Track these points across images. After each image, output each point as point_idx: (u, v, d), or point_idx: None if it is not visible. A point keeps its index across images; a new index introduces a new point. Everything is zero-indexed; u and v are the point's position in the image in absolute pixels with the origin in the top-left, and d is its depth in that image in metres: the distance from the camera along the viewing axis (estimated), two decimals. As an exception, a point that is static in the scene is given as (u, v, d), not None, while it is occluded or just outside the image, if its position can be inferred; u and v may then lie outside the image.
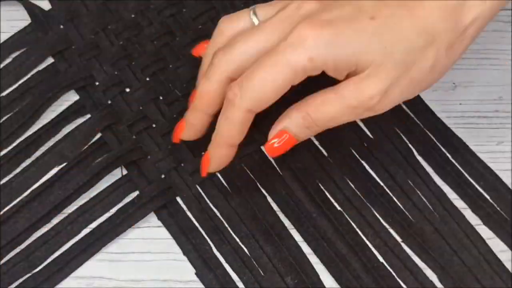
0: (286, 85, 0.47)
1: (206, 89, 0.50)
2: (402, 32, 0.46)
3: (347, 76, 0.48)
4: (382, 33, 0.46)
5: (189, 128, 0.53)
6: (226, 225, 0.54)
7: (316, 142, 0.56)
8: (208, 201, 0.55)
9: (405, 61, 0.46)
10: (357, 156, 0.56)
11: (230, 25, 0.52)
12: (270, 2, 0.51)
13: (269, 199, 0.55)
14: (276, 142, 0.50)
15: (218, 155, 0.52)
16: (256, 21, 0.51)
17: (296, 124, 0.50)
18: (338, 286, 0.52)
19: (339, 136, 0.56)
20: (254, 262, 0.53)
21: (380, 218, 0.54)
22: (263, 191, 0.55)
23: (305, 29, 0.46)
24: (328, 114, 0.48)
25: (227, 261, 0.53)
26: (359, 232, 0.53)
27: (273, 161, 0.56)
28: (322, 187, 0.55)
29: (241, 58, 0.49)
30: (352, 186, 0.55)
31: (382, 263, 0.52)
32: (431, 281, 0.52)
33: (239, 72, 0.49)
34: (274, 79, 0.47)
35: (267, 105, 0.48)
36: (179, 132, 0.53)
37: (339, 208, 0.54)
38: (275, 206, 0.54)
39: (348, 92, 0.47)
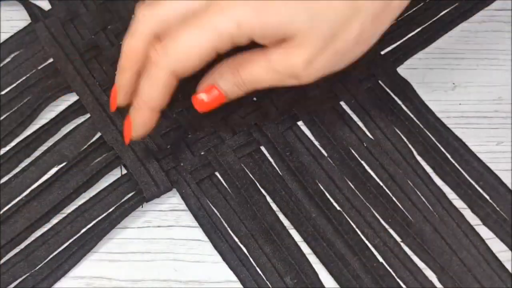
0: (211, 50, 0.46)
1: (130, 45, 0.49)
2: (329, 1, 0.45)
3: (276, 43, 0.47)
4: (309, 2, 0.45)
5: (120, 91, 0.51)
6: (225, 224, 0.54)
7: (316, 142, 0.56)
8: (206, 199, 0.55)
9: (330, 32, 0.46)
10: (357, 156, 0.56)
11: None
12: None
13: (269, 199, 0.55)
14: (205, 97, 0.50)
15: (140, 120, 0.50)
16: None
17: (226, 80, 0.49)
18: (338, 286, 0.52)
19: (338, 136, 0.56)
20: (253, 261, 0.53)
21: (380, 218, 0.54)
22: (263, 191, 0.55)
23: None
24: (256, 75, 0.48)
25: (224, 260, 0.53)
26: (359, 232, 0.53)
27: (273, 161, 0.56)
28: (321, 187, 0.55)
29: (167, 15, 0.48)
30: (352, 186, 0.55)
31: (381, 263, 0.52)
32: (430, 281, 0.52)
33: (164, 30, 0.47)
34: (199, 42, 0.46)
35: (191, 70, 0.47)
36: (113, 98, 0.52)
37: (338, 208, 0.54)
38: (274, 206, 0.54)
39: (275, 56, 0.47)
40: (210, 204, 0.55)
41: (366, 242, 0.53)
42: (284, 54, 0.47)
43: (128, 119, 0.51)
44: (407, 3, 0.48)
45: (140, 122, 0.50)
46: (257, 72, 0.48)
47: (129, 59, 0.49)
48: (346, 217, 0.54)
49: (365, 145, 0.56)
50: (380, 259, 0.52)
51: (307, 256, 0.53)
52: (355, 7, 0.45)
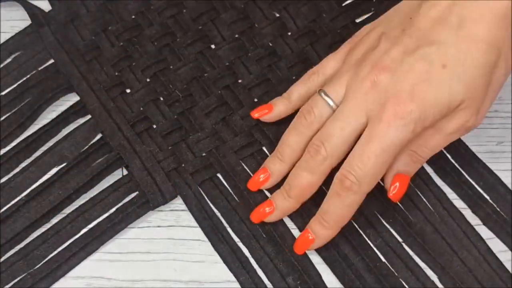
0: (393, 156, 0.50)
1: (311, 182, 0.52)
2: (473, 63, 0.48)
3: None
4: (457, 75, 0.48)
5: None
6: (226, 225, 0.54)
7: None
8: (207, 200, 0.55)
9: (486, 82, 0.49)
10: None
11: (312, 119, 0.53)
12: (333, 78, 0.53)
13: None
14: (394, 188, 0.52)
15: (326, 238, 0.52)
16: (330, 102, 0.52)
17: (405, 164, 0.52)
18: (341, 285, 0.52)
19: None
20: (254, 262, 0.53)
21: (381, 218, 0.54)
22: (265, 191, 0.55)
23: (395, 105, 0.48)
24: (432, 147, 0.51)
25: (224, 262, 0.53)
26: (361, 232, 0.53)
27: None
28: (323, 188, 0.54)
29: (338, 147, 0.51)
30: None
31: (384, 262, 0.52)
32: (432, 281, 0.52)
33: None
34: (386, 161, 0.49)
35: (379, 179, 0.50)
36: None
37: None
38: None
39: (448, 125, 0.50)
40: (211, 206, 0.54)
41: (369, 242, 0.53)
42: (455, 119, 0.49)
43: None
44: None
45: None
46: (433, 144, 0.51)
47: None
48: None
49: None
50: (383, 259, 0.52)
51: (310, 256, 0.53)
52: (495, 49, 0.48)
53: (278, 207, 0.53)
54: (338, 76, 0.52)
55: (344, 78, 0.51)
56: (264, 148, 0.56)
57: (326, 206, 0.51)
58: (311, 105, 0.52)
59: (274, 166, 0.54)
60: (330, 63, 0.55)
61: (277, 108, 0.56)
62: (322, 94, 0.52)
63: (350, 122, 0.50)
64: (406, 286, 0.52)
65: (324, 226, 0.51)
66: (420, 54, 0.48)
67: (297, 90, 0.55)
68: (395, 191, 0.52)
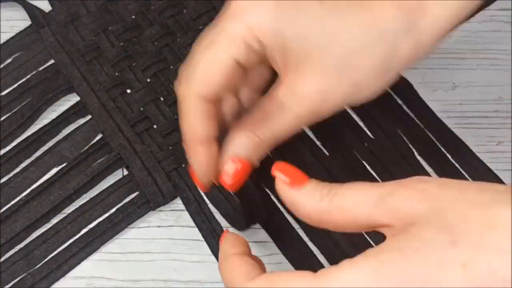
0: (230, 60, 0.42)
1: (187, 124, 0.44)
2: (348, 23, 0.41)
3: (278, 68, 0.43)
4: (328, 18, 0.41)
5: (194, 171, 0.47)
6: (224, 228, 0.54)
7: (318, 142, 0.56)
8: (207, 202, 0.55)
9: (347, 57, 0.41)
10: (358, 156, 0.56)
11: None
12: None
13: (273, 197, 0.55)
14: (228, 173, 0.44)
15: (196, 160, 0.45)
16: None
17: (244, 148, 0.44)
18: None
19: (340, 136, 0.56)
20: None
21: None
22: (267, 190, 0.55)
23: None
24: (277, 130, 0.44)
25: (221, 265, 0.53)
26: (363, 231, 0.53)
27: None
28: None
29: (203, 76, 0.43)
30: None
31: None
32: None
33: (208, 88, 0.43)
34: (215, 55, 0.42)
35: (217, 88, 0.43)
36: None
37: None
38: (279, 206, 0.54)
39: (287, 99, 0.43)
40: (210, 209, 0.55)
41: (370, 241, 0.53)
42: (295, 88, 0.42)
43: (190, 167, 0.46)
44: (442, 36, 0.44)
45: (198, 162, 0.45)
46: (276, 125, 0.43)
47: (193, 133, 0.45)
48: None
49: (366, 144, 0.56)
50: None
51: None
52: (377, 34, 0.41)
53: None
54: None
55: None
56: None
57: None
58: None
59: None
60: None
61: None
62: None
63: None
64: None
65: (186, 148, 0.45)
66: None
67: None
68: (229, 174, 0.44)
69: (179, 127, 0.45)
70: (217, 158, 0.44)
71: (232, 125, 0.45)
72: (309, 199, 0.40)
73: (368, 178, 0.55)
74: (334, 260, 0.52)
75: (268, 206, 0.53)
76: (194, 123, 0.43)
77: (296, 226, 0.53)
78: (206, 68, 0.42)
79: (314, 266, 0.52)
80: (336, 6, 0.41)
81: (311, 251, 0.52)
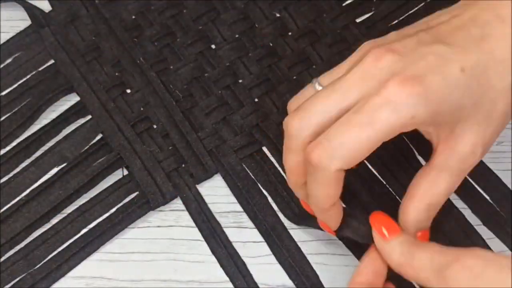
0: (380, 142, 0.43)
1: (293, 161, 0.46)
2: (489, 81, 0.44)
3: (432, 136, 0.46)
4: (471, 86, 0.43)
5: (306, 203, 0.50)
6: (223, 228, 0.54)
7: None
8: (206, 203, 0.55)
9: (495, 108, 0.45)
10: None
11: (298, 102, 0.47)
12: (332, 69, 0.47)
13: (270, 199, 0.55)
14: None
15: (329, 218, 0.48)
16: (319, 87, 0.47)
17: (425, 220, 0.47)
18: (339, 286, 0.52)
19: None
20: (251, 266, 0.53)
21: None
22: (264, 192, 0.55)
23: (398, 86, 0.42)
24: (446, 191, 0.46)
25: (221, 265, 0.53)
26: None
27: (274, 161, 0.56)
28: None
29: (320, 120, 0.44)
30: (356, 183, 0.55)
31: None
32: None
33: (320, 132, 0.44)
34: (368, 137, 0.42)
35: (357, 162, 0.44)
36: (307, 208, 0.51)
37: (343, 205, 0.54)
38: (275, 207, 0.54)
39: (452, 161, 0.46)
40: (210, 209, 0.55)
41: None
42: (455, 152, 0.45)
43: (321, 222, 0.49)
44: None
45: (331, 219, 0.48)
46: (444, 188, 0.46)
47: (297, 175, 0.47)
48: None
49: None
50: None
51: (307, 256, 0.53)
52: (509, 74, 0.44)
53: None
54: (337, 67, 0.47)
55: (344, 64, 0.46)
56: (264, 148, 0.56)
57: (308, 192, 0.46)
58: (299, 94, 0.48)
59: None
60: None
61: None
62: (316, 84, 0.47)
63: (343, 94, 0.44)
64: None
65: (318, 213, 0.48)
66: (436, 49, 0.43)
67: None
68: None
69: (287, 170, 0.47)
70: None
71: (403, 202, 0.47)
72: (393, 252, 0.45)
73: (369, 176, 0.55)
74: None
75: None
76: (329, 190, 0.45)
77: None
78: (358, 147, 0.43)
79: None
80: (474, 69, 0.43)
81: None
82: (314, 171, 0.44)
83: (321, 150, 0.43)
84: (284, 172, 0.55)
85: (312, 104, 0.45)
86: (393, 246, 0.45)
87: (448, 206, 0.53)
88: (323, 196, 0.45)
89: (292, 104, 0.48)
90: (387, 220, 0.47)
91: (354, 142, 0.42)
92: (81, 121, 0.57)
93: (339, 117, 0.43)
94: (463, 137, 0.45)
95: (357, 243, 0.52)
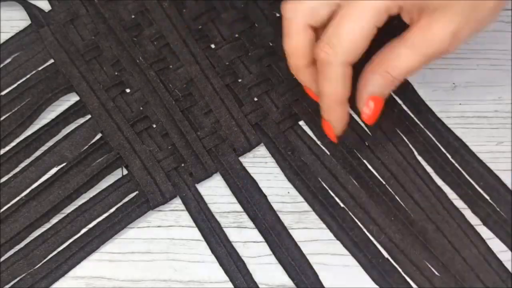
0: (374, 29, 0.48)
1: (291, 45, 0.51)
2: None
3: (412, 19, 0.49)
4: None
5: (311, 89, 0.53)
6: (223, 227, 0.54)
7: (318, 142, 0.56)
8: (206, 202, 0.55)
9: (480, 3, 0.47)
10: (359, 155, 0.56)
11: None
12: None
13: (270, 199, 0.55)
14: (368, 111, 0.51)
15: (335, 117, 0.52)
16: None
17: (379, 85, 0.50)
18: (338, 286, 0.52)
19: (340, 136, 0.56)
20: (251, 267, 0.53)
21: (384, 216, 0.54)
22: (264, 190, 0.55)
23: None
24: (406, 67, 0.49)
25: (221, 264, 0.53)
26: (363, 229, 0.53)
27: (274, 160, 0.56)
28: (324, 185, 0.55)
29: (315, 5, 0.50)
30: (356, 184, 0.55)
31: (387, 259, 0.52)
32: (438, 276, 0.52)
33: (317, 20, 0.50)
34: (362, 27, 0.47)
35: (361, 54, 0.49)
36: (311, 94, 0.54)
37: (342, 205, 0.54)
38: (275, 207, 0.54)
39: (418, 40, 0.48)
40: (210, 208, 0.55)
41: (371, 238, 0.53)
42: (426, 34, 0.48)
43: (325, 122, 0.52)
44: None
45: (337, 119, 0.52)
46: (407, 64, 0.49)
47: (297, 58, 0.52)
48: (351, 214, 0.54)
49: (366, 143, 0.56)
50: (386, 255, 0.53)
51: (307, 256, 0.53)
52: None
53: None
54: None
55: None
56: (263, 147, 0.56)
57: (320, 89, 0.51)
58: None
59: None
60: None
61: None
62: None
63: None
64: (411, 282, 0.52)
65: (325, 109, 0.51)
66: None
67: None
68: (369, 111, 0.51)
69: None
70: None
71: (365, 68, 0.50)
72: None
73: (370, 177, 0.55)
74: None
75: None
76: (337, 86, 0.50)
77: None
78: (355, 39, 0.48)
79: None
80: None
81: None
82: (323, 67, 0.49)
83: (327, 47, 0.48)
84: (279, 170, 0.55)
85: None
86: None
87: (447, 207, 0.54)
88: (334, 91, 0.50)
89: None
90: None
91: (350, 34, 0.48)
92: (81, 120, 0.57)
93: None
94: (438, 22, 0.47)
95: (357, 244, 0.53)
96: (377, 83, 0.50)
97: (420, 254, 0.52)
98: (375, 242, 0.53)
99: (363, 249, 0.53)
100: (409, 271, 0.52)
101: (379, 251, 0.53)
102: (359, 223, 0.54)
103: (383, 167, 0.55)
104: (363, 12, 0.47)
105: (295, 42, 0.51)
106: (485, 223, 0.53)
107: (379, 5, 0.47)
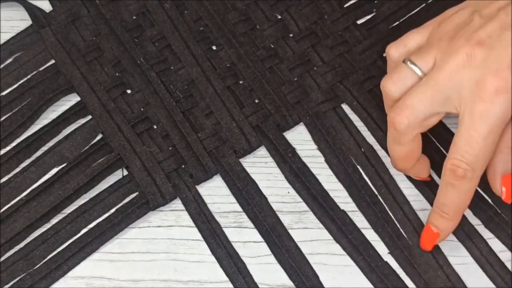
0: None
1: (402, 153, 0.51)
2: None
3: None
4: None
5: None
6: (223, 229, 0.54)
7: (314, 146, 0.56)
8: (206, 203, 0.55)
9: None
10: (354, 161, 0.56)
11: (395, 88, 0.50)
12: (421, 49, 0.50)
13: (270, 199, 0.55)
14: (506, 192, 0.51)
15: (450, 229, 0.51)
16: (418, 71, 0.49)
17: (506, 162, 0.51)
18: (338, 286, 0.52)
19: (338, 140, 0.56)
20: (251, 267, 0.53)
21: (370, 227, 0.54)
22: (264, 190, 0.55)
23: (495, 80, 0.46)
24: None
25: (221, 266, 0.53)
26: (362, 232, 0.53)
27: (274, 162, 0.56)
28: (324, 187, 0.55)
29: (422, 118, 0.49)
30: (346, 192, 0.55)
31: (386, 262, 0.52)
32: (437, 277, 0.52)
33: (427, 127, 0.50)
34: (494, 140, 0.48)
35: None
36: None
37: (342, 208, 0.54)
38: (275, 207, 0.54)
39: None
40: (210, 209, 0.54)
41: (370, 241, 0.53)
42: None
43: (430, 230, 0.52)
44: None
45: (450, 231, 0.52)
46: None
47: (407, 162, 0.52)
48: (350, 216, 0.54)
49: (363, 150, 0.56)
50: (385, 259, 0.52)
51: (307, 256, 0.53)
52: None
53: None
54: (426, 47, 0.50)
55: (434, 49, 0.49)
56: (263, 149, 0.56)
57: (443, 198, 0.50)
58: (394, 74, 0.50)
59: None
60: (414, 36, 0.52)
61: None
62: (408, 63, 0.50)
63: (440, 92, 0.48)
64: (408, 286, 0.52)
65: (446, 218, 0.50)
66: None
67: None
68: (505, 195, 0.51)
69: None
70: None
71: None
72: None
73: (362, 186, 0.55)
74: None
75: None
76: (468, 201, 0.50)
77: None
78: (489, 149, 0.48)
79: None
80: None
81: None
82: (455, 181, 0.48)
83: (464, 164, 0.48)
84: (279, 172, 0.55)
85: (414, 102, 0.49)
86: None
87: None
88: (462, 204, 0.50)
89: (390, 87, 0.50)
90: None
91: (486, 148, 0.48)
92: (82, 121, 0.57)
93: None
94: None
95: (356, 247, 0.53)
96: (504, 160, 0.51)
97: (405, 268, 0.52)
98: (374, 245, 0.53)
99: (362, 252, 0.53)
100: (409, 272, 0.52)
101: (378, 254, 0.53)
102: (358, 226, 0.54)
103: (376, 176, 0.55)
104: (492, 123, 0.47)
105: (405, 150, 0.51)
106: (486, 224, 0.53)
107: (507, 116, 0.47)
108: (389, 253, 0.53)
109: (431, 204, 0.53)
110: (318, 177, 0.55)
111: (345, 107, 0.57)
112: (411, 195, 0.55)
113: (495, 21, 0.47)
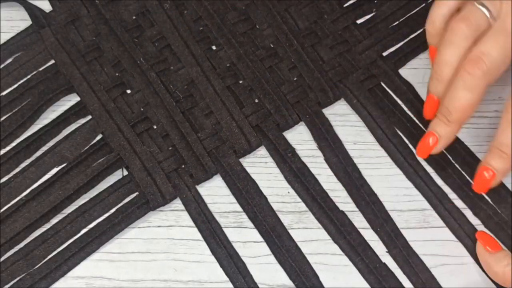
0: None
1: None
2: None
3: None
4: None
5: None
6: (223, 229, 0.54)
7: (315, 145, 0.56)
8: (206, 203, 0.55)
9: None
10: (353, 160, 0.56)
11: (468, 30, 0.52)
12: None
13: (270, 199, 0.55)
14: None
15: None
16: (487, 13, 0.51)
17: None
18: (338, 286, 0.52)
19: (337, 139, 0.56)
20: (251, 268, 0.53)
21: (369, 227, 0.54)
22: (264, 190, 0.55)
23: None
24: None
25: (221, 266, 0.53)
26: (361, 233, 0.53)
27: (274, 162, 0.56)
28: (324, 188, 0.55)
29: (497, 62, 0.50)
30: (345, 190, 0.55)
31: (384, 263, 0.52)
32: (435, 279, 0.52)
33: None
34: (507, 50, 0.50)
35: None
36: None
37: (341, 208, 0.54)
38: (275, 207, 0.54)
39: None
40: (210, 209, 0.54)
41: (368, 242, 0.53)
42: None
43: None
44: None
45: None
46: None
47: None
48: (349, 217, 0.54)
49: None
50: (383, 258, 0.52)
51: (307, 256, 0.53)
52: None
53: (442, 136, 0.52)
54: None
55: None
56: (263, 148, 0.57)
57: (502, 137, 0.51)
58: (467, 15, 0.52)
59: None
60: None
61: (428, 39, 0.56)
62: (478, 4, 0.51)
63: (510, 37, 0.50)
64: (409, 285, 0.52)
65: (504, 158, 0.50)
66: None
67: (439, 13, 0.55)
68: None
69: None
70: None
71: None
72: (497, 263, 0.51)
73: (361, 185, 0.55)
74: None
75: None
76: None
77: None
78: (500, 61, 0.51)
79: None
80: None
81: None
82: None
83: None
84: (278, 171, 0.55)
85: (489, 49, 0.50)
86: (498, 258, 0.51)
87: (449, 207, 0.54)
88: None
89: (465, 27, 0.51)
90: (491, 238, 0.52)
91: (498, 55, 0.50)
92: (81, 121, 0.57)
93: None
94: None
95: (355, 248, 0.53)
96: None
97: (402, 268, 0.52)
98: (372, 247, 0.53)
99: (361, 253, 0.53)
100: (408, 272, 0.52)
101: (377, 255, 0.53)
102: (357, 227, 0.54)
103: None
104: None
105: (476, 99, 0.51)
106: (486, 224, 0.53)
107: None
108: (387, 252, 0.53)
109: (431, 203, 0.53)
110: (317, 177, 0.55)
111: (345, 106, 0.57)
112: (411, 195, 0.55)
113: None
